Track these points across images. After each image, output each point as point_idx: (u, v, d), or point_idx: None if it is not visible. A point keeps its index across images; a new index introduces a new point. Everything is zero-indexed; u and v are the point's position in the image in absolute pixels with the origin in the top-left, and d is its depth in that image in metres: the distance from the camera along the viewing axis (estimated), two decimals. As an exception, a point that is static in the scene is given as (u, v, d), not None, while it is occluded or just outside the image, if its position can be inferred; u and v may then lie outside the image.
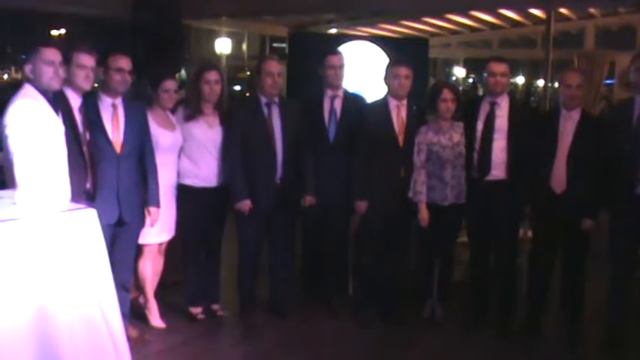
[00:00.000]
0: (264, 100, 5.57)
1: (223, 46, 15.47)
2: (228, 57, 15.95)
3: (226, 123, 5.50)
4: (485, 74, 5.69)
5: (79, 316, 3.30)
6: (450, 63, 25.38)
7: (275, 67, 5.57)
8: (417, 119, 5.70)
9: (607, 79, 14.38)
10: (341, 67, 5.83)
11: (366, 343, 5.49)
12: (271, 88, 5.54)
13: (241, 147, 5.47)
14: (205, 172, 5.45)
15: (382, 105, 5.71)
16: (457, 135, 5.54)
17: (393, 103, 5.67)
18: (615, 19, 15.12)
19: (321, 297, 6.11)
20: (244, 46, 17.75)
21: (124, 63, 4.89)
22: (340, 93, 5.87)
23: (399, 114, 5.65)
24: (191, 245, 5.59)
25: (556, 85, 15.99)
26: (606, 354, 5.33)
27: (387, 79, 5.72)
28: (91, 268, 3.35)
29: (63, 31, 24.35)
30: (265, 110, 5.54)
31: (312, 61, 6.71)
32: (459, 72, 24.58)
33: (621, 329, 5.39)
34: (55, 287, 3.24)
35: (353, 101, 5.94)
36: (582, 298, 5.50)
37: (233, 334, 5.63)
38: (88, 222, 3.36)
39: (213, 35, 15.65)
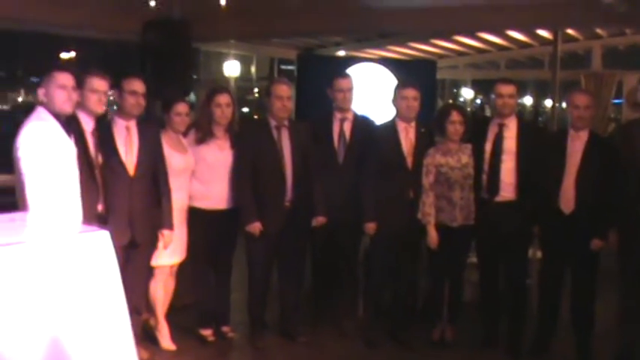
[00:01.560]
0: (273, 122, 5.61)
1: (232, 68, 15.53)
2: (236, 79, 16.01)
3: (236, 145, 5.53)
4: (493, 96, 5.73)
5: (92, 340, 3.31)
6: (457, 84, 25.41)
7: (285, 91, 5.62)
8: (425, 141, 5.73)
9: (615, 99, 14.38)
10: (350, 90, 5.88)
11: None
12: (281, 111, 5.58)
13: (251, 169, 5.51)
14: (216, 195, 5.49)
15: (391, 127, 5.75)
16: (465, 157, 5.57)
17: (401, 125, 5.71)
18: (622, 39, 15.12)
19: (330, 318, 6.12)
20: (253, 69, 17.82)
21: (138, 86, 4.96)
22: (349, 115, 5.92)
23: (407, 136, 5.69)
24: (201, 267, 5.62)
25: (564, 105, 16.02)
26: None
27: (395, 101, 5.76)
28: (104, 291, 3.37)
29: (73, 54, 24.48)
30: (275, 133, 5.58)
31: (321, 83, 6.77)
32: (467, 93, 24.58)
33: (633, 349, 5.38)
34: (67, 311, 3.26)
35: (362, 124, 5.98)
36: (592, 318, 5.50)
37: (243, 356, 5.64)
38: (101, 244, 3.38)
39: (222, 58, 15.71)
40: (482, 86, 26.56)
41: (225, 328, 5.79)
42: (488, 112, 20.30)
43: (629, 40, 14.96)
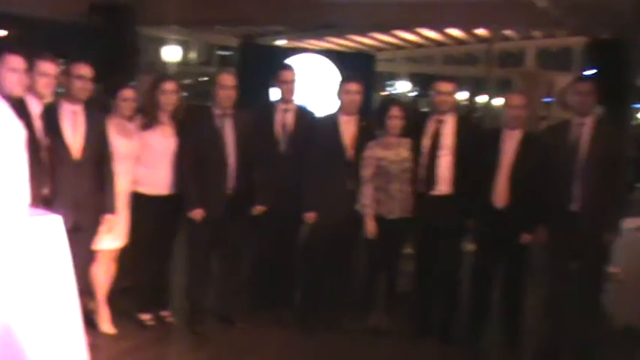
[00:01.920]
0: (217, 111, 5.68)
1: (172, 53, 15.48)
2: (176, 64, 15.96)
3: (180, 132, 5.60)
4: (432, 92, 5.88)
5: (42, 323, 3.36)
6: (394, 77, 25.70)
7: (229, 80, 5.71)
8: (365, 134, 5.87)
9: (545, 97, 14.81)
10: (293, 81, 6.01)
11: (312, 351, 5.61)
12: (225, 100, 5.66)
13: (194, 156, 5.57)
14: (160, 180, 5.55)
15: (333, 119, 5.88)
16: (404, 151, 5.72)
17: (343, 118, 5.85)
18: (554, 41, 15.59)
19: (268, 305, 6.22)
20: (192, 54, 17.76)
21: (86, 70, 4.98)
22: (292, 106, 6.03)
23: (348, 129, 5.83)
24: (142, 252, 5.65)
25: (498, 101, 16.40)
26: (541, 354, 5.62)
27: (338, 95, 5.89)
28: (56, 274, 3.42)
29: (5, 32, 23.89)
30: (219, 121, 5.66)
31: (262, 72, 6.87)
32: (403, 86, 24.92)
33: (555, 338, 5.64)
34: (18, 295, 3.30)
35: (304, 114, 6.11)
36: (520, 310, 5.74)
37: (182, 341, 5.69)
38: (53, 228, 3.43)
39: (162, 42, 15.62)
40: (419, 80, 26.96)
41: (164, 313, 5.85)
42: (423, 106, 20.57)
43: (561, 43, 15.43)
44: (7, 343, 3.27)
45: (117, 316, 5.67)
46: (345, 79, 6.01)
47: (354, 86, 5.84)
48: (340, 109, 5.89)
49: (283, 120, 6.00)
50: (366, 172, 5.71)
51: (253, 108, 6.31)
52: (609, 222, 5.45)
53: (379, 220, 5.71)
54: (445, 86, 5.78)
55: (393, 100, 5.61)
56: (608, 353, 5.81)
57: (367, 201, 5.70)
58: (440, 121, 5.74)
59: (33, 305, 3.34)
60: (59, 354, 3.43)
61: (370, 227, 5.70)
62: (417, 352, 5.72)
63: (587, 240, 5.45)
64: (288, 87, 6.00)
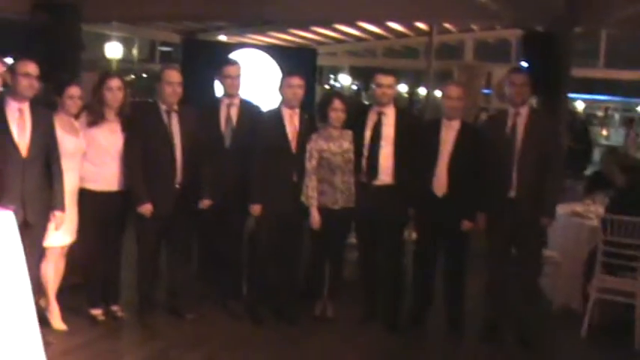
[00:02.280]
0: (163, 107, 5.75)
1: (113, 50, 15.41)
2: (118, 61, 15.88)
3: (127, 129, 5.66)
4: (372, 85, 6.04)
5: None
6: (335, 71, 25.89)
7: (175, 77, 5.78)
8: (308, 127, 6.01)
9: (484, 89, 15.11)
10: (237, 76, 6.10)
11: (261, 341, 5.74)
12: (171, 96, 5.74)
13: (141, 152, 5.64)
14: (107, 177, 5.60)
15: (276, 113, 6.00)
16: (346, 142, 5.87)
17: (286, 112, 5.96)
18: (493, 33, 15.89)
19: (217, 297, 6.32)
20: (134, 51, 17.67)
21: (32, 68, 5.00)
22: (236, 101, 6.12)
23: (292, 122, 5.95)
24: (91, 248, 5.70)
25: (437, 93, 16.64)
26: (484, 343, 5.83)
27: (281, 89, 6.00)
28: (9, 270, 3.46)
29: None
30: (165, 117, 5.73)
31: (204, 68, 6.91)
32: (345, 79, 25.13)
33: (497, 321, 5.87)
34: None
35: (248, 108, 6.20)
36: (462, 294, 5.97)
37: (133, 334, 5.78)
38: (5, 224, 3.48)
39: (104, 39, 15.54)
40: (360, 73, 27.20)
41: (114, 307, 5.91)
42: (365, 99, 20.77)
43: (499, 35, 15.75)
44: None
45: (67, 312, 5.70)
46: (287, 74, 6.12)
47: (296, 80, 5.96)
48: (283, 103, 6.01)
49: (228, 114, 6.08)
50: (310, 164, 5.84)
51: (199, 103, 6.39)
52: (544, 208, 5.69)
53: (323, 210, 5.85)
54: (385, 79, 5.93)
55: (335, 93, 5.75)
56: (546, 333, 6.07)
57: (312, 192, 5.83)
58: (381, 113, 5.90)
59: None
60: (15, 351, 3.48)
61: (315, 218, 5.84)
62: (363, 338, 5.87)
63: (525, 225, 5.70)
64: (232, 82, 6.08)
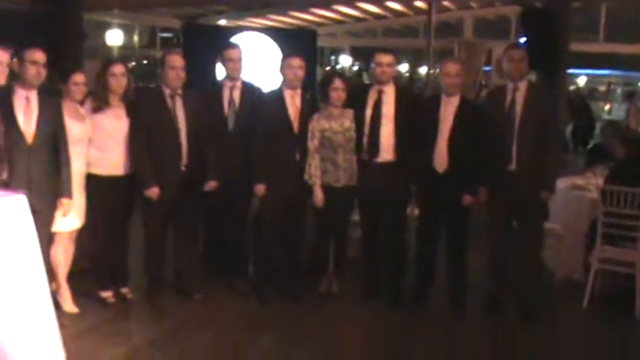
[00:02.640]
0: (167, 91, 5.84)
1: (114, 37, 15.45)
2: (119, 48, 15.93)
3: (132, 113, 5.74)
4: (372, 64, 6.10)
5: (13, 303, 3.47)
6: (336, 52, 25.90)
7: (178, 61, 5.85)
8: (309, 107, 6.08)
9: (485, 66, 15.12)
10: (239, 59, 6.17)
11: (268, 318, 5.85)
12: (174, 81, 5.81)
13: (147, 137, 5.73)
14: (113, 162, 5.69)
15: (278, 94, 6.07)
16: (348, 121, 5.94)
17: (287, 93, 6.03)
18: (492, 10, 15.91)
19: (223, 277, 6.43)
20: (135, 38, 17.71)
21: (39, 56, 5.08)
22: (238, 84, 6.20)
23: (293, 102, 6.02)
24: (100, 232, 5.81)
25: (436, 71, 16.65)
26: (487, 318, 5.93)
27: (282, 70, 6.07)
28: (24, 253, 3.54)
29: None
30: (169, 101, 5.82)
31: (205, 52, 6.95)
32: (345, 60, 25.13)
33: (499, 295, 5.96)
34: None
35: (250, 91, 6.27)
36: (464, 269, 6.05)
37: (143, 314, 5.88)
38: (19, 208, 3.56)
39: (104, 27, 15.57)
40: (361, 53, 27.19)
41: (124, 290, 6.03)
42: (365, 79, 20.80)
43: (498, 11, 15.76)
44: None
45: (78, 295, 5.81)
46: (288, 55, 6.19)
47: (296, 61, 6.02)
48: (284, 83, 6.07)
49: (230, 97, 6.16)
50: (313, 143, 5.91)
51: (200, 87, 6.46)
52: (544, 181, 5.77)
53: (327, 189, 5.93)
54: (385, 58, 5.98)
55: (335, 72, 5.79)
56: (548, 304, 6.17)
57: (315, 171, 5.91)
58: (381, 92, 5.96)
59: (3, 286, 3.46)
60: (32, 333, 3.57)
61: (318, 196, 5.92)
62: (367, 315, 5.98)
63: (525, 198, 5.78)
64: (234, 65, 6.15)
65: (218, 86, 6.28)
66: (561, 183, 7.08)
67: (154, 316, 5.83)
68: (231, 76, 6.18)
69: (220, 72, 6.48)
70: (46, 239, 5.31)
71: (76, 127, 5.47)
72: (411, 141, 5.87)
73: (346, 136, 5.92)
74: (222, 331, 5.57)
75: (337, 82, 5.94)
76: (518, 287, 6.04)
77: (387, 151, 5.91)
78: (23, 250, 3.57)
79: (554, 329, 5.85)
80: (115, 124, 5.69)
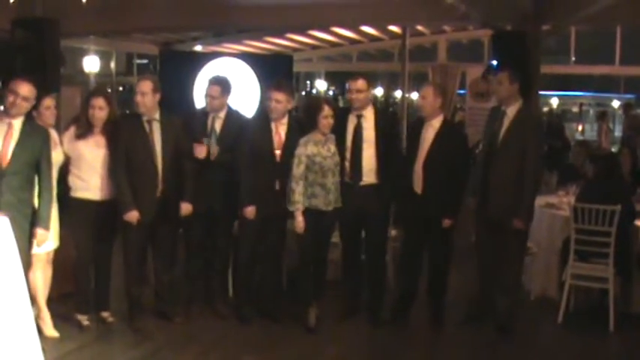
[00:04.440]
0: (144, 117, 5.91)
1: (91, 64, 15.47)
2: (96, 75, 15.96)
3: (111, 139, 5.83)
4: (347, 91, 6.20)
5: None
6: (312, 76, 26.05)
7: (144, 87, 5.88)
8: (296, 134, 6.06)
9: (459, 89, 15.30)
10: (218, 96, 6.21)
11: (248, 339, 5.91)
12: (141, 106, 5.87)
13: (125, 162, 5.79)
14: (92, 187, 5.80)
15: (264, 121, 6.11)
16: (333, 146, 5.97)
17: (272, 123, 6.08)
18: (465, 34, 16.10)
19: (204, 299, 6.48)
20: (112, 64, 17.74)
21: (22, 89, 5.13)
22: (221, 114, 6.27)
23: (277, 132, 6.06)
24: (82, 256, 5.92)
25: (413, 95, 16.88)
26: (466, 332, 6.07)
27: (264, 101, 6.12)
28: (7, 276, 3.57)
29: None
30: (147, 127, 5.90)
31: (182, 78, 6.97)
32: (321, 85, 25.28)
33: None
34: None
35: (235, 119, 6.33)
36: (445, 285, 6.18)
37: (124, 338, 5.89)
38: (1, 230, 3.59)
39: (81, 53, 15.61)
40: (336, 78, 27.41)
41: (105, 314, 6.08)
42: (341, 103, 20.93)
43: (471, 35, 15.96)
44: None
45: (59, 319, 5.86)
46: (268, 87, 6.23)
47: (274, 94, 6.03)
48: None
49: (212, 126, 6.24)
50: (298, 169, 5.86)
51: (178, 112, 6.53)
52: (519, 210, 5.89)
53: (314, 213, 5.90)
54: (353, 84, 6.08)
55: (324, 99, 5.75)
56: (525, 320, 6.31)
57: (298, 197, 5.86)
58: (360, 116, 6.06)
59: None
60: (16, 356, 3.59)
61: (300, 223, 5.88)
62: (347, 332, 6.05)
63: (499, 224, 5.93)
64: (211, 101, 6.21)
65: (201, 114, 6.36)
66: (536, 202, 7.21)
67: (135, 339, 5.84)
68: (210, 110, 6.26)
69: (197, 97, 6.54)
70: (24, 264, 5.31)
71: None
72: (391, 163, 5.97)
73: (334, 160, 5.94)
74: (202, 352, 5.61)
75: (327, 110, 5.88)
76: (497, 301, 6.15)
77: (369, 175, 6.01)
78: (6, 272, 3.60)
79: (530, 343, 5.98)
80: (95, 152, 5.81)
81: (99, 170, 5.81)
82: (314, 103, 6.20)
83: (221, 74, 6.61)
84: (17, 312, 3.68)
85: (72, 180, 5.79)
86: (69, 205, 5.78)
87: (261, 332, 6.03)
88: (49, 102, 5.77)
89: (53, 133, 5.71)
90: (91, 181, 5.79)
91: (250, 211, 6.01)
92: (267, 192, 6.02)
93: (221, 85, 6.28)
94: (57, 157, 5.65)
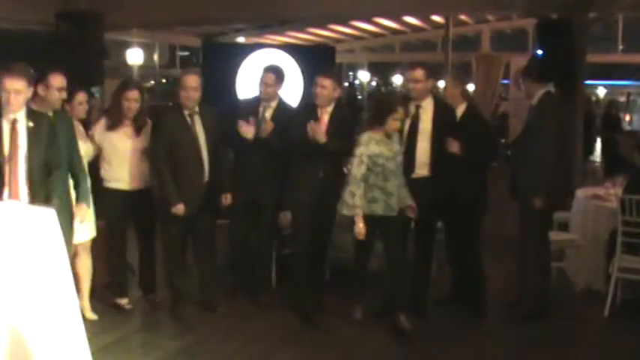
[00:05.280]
0: (186, 110, 5.92)
1: (135, 56, 15.59)
2: (139, 67, 16.08)
3: (152, 132, 5.93)
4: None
5: (44, 316, 3.54)
6: (354, 67, 25.98)
7: (190, 81, 5.89)
8: (345, 124, 6.05)
9: (503, 79, 15.13)
10: (273, 84, 6.26)
11: (292, 330, 5.88)
12: (186, 101, 5.89)
13: (167, 154, 5.82)
14: (125, 177, 5.98)
15: (311, 111, 6.08)
16: (396, 145, 5.71)
17: (318, 109, 6.05)
18: (509, 23, 15.91)
19: (247, 290, 6.49)
20: (155, 56, 17.85)
21: (62, 81, 5.34)
22: (273, 104, 6.31)
23: (322, 119, 6.00)
24: (116, 243, 6.13)
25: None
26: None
27: (312, 89, 6.10)
28: (55, 266, 3.62)
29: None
30: (188, 119, 5.92)
31: (225, 69, 6.97)
32: (364, 76, 25.21)
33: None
34: (21, 288, 3.49)
35: (284, 110, 6.34)
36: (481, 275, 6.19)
37: (167, 328, 5.94)
38: (49, 221, 3.64)
39: (125, 46, 15.73)
40: (378, 69, 27.30)
41: (152, 295, 6.32)
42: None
43: (515, 24, 15.76)
44: (15, 339, 3.49)
45: (101, 310, 5.97)
46: (319, 73, 6.16)
47: (320, 80, 6.01)
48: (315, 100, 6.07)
49: (263, 115, 6.24)
50: (359, 169, 5.57)
51: (219, 104, 6.56)
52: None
53: (371, 218, 5.61)
54: (411, 73, 5.96)
55: (398, 99, 5.46)
56: (570, 314, 6.20)
57: (359, 202, 5.55)
58: (418, 107, 5.93)
59: (37, 300, 3.53)
60: (62, 346, 3.63)
61: (360, 228, 5.57)
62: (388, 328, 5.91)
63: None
64: (266, 89, 6.24)
65: (253, 102, 6.39)
66: (581, 193, 7.12)
67: (178, 330, 5.86)
68: (264, 98, 6.28)
69: (240, 88, 6.56)
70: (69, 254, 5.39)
71: (80, 145, 5.57)
72: (446, 156, 5.88)
73: (397, 161, 5.68)
74: (246, 343, 5.62)
75: (400, 112, 5.61)
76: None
77: (422, 168, 5.91)
78: (53, 262, 3.65)
79: (576, 337, 5.89)
80: (126, 142, 5.97)
81: (130, 159, 5.97)
82: (386, 102, 5.88)
83: (275, 63, 6.65)
84: (64, 302, 3.72)
85: (104, 171, 5.98)
86: (103, 196, 5.93)
87: (305, 324, 5.99)
88: (81, 97, 5.93)
89: (81, 127, 5.84)
90: (122, 172, 5.96)
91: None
92: (312, 182, 5.98)
93: (276, 73, 6.32)
94: (87, 149, 5.78)
